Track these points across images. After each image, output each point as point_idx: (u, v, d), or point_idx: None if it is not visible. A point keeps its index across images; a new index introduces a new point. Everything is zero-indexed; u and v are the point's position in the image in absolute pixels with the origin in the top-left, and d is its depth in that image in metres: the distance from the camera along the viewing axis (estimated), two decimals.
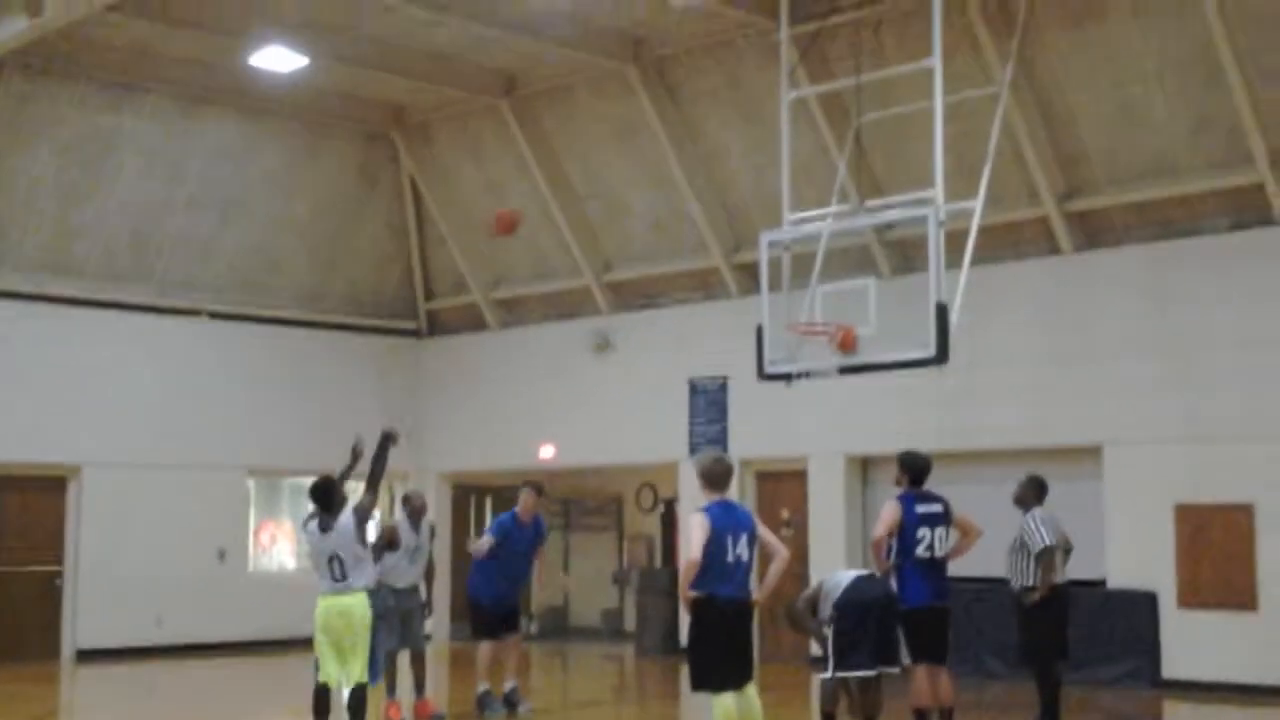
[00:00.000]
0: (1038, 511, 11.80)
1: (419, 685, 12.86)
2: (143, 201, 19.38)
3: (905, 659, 10.97)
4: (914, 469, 11.24)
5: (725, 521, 9.44)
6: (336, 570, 10.31)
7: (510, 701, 13.21)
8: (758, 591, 9.69)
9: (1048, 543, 11.57)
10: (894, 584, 10.96)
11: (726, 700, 9.41)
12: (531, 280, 21.33)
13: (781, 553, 9.66)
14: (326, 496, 10.50)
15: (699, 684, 9.52)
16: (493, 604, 13.20)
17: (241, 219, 20.39)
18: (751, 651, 9.64)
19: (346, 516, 10.40)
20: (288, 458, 20.85)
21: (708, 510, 9.53)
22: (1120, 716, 13.85)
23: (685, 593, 9.44)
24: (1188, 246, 15.50)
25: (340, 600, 10.30)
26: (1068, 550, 11.92)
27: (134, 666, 18.17)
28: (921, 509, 11.05)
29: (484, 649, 13.18)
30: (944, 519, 11.12)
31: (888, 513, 11.05)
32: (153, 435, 19.57)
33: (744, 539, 9.46)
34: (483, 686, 13.17)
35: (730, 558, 9.40)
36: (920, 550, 10.93)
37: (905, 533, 10.94)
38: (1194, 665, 14.98)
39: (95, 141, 18.69)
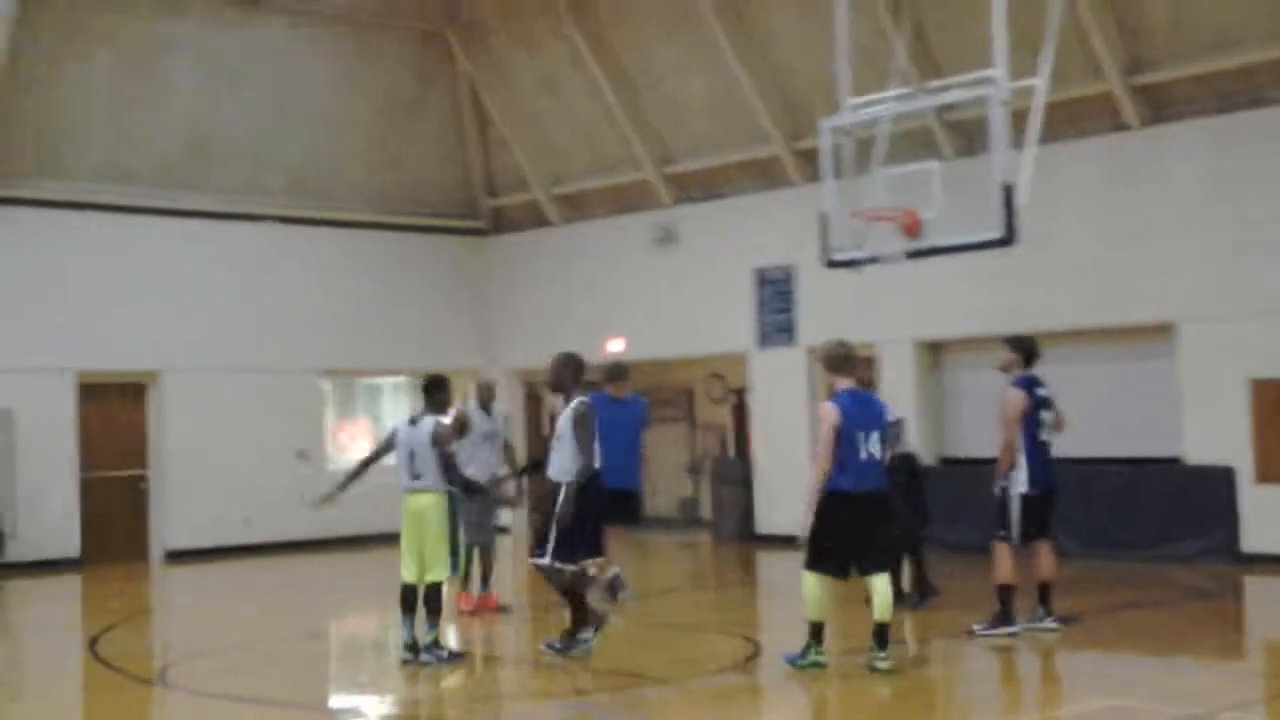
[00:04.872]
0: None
1: (485, 578, 13.05)
2: (201, 107, 19.51)
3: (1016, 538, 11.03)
4: (1028, 351, 11.23)
5: (857, 416, 9.45)
6: (413, 466, 10.54)
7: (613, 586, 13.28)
8: None
9: (896, 415, 12.03)
10: (1015, 468, 10.94)
11: (819, 582, 9.63)
12: (592, 175, 21.32)
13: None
14: (427, 390, 10.84)
15: (808, 564, 9.68)
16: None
17: (298, 122, 20.46)
18: (883, 542, 9.70)
19: (431, 422, 10.61)
20: (361, 358, 21.23)
21: (838, 400, 9.54)
22: (1200, 591, 13.92)
23: (815, 492, 9.43)
24: (1255, 118, 15.28)
25: (415, 499, 10.56)
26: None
27: (221, 565, 18.65)
28: (1040, 392, 11.09)
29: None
30: (1053, 403, 11.18)
31: (1015, 399, 10.94)
32: (227, 340, 19.91)
33: (875, 436, 9.50)
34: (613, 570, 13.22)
35: (863, 455, 9.46)
36: (1041, 434, 11.03)
37: (1028, 417, 10.97)
38: (1274, 539, 14.98)
39: (149, 48, 18.81)
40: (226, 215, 20.13)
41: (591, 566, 11.33)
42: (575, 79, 20.34)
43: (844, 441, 9.45)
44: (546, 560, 10.39)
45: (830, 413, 9.51)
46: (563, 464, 10.47)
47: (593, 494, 10.45)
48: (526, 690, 10.01)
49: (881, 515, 9.68)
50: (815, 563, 9.64)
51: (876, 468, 9.61)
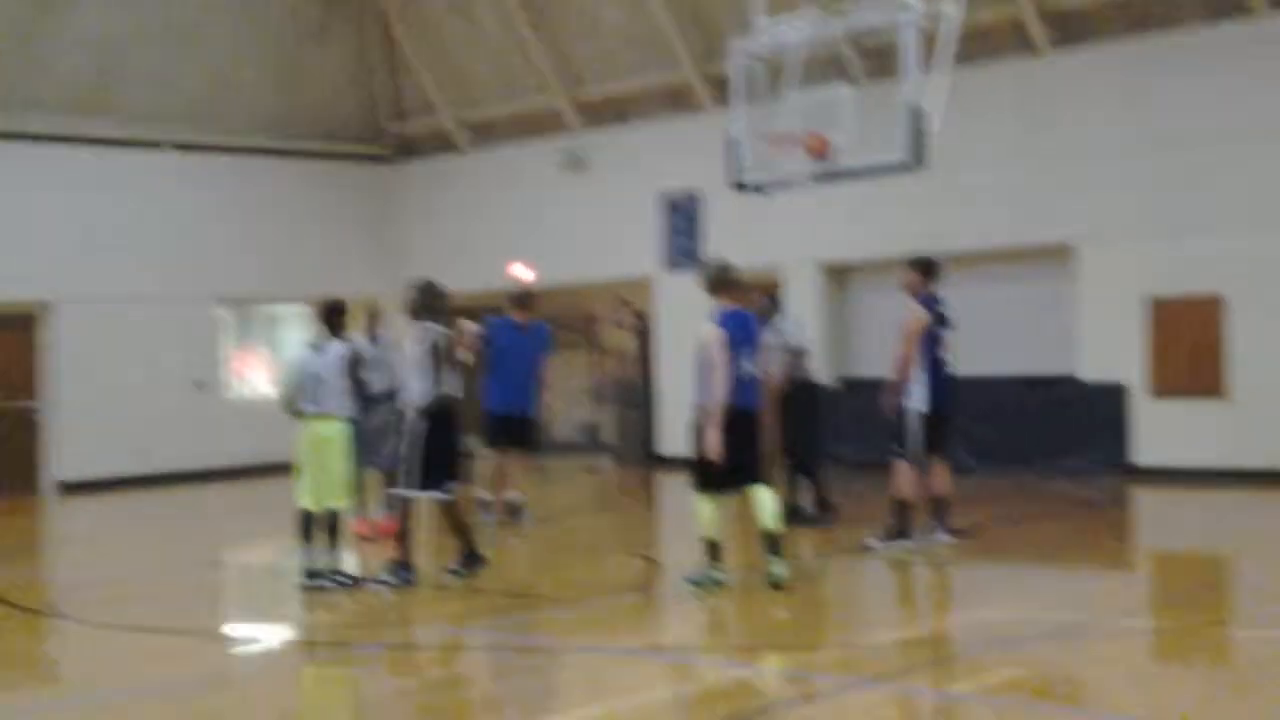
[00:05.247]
0: (784, 319, 12.76)
1: (388, 502, 12.72)
2: (102, 34, 18.93)
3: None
4: (929, 270, 11.22)
5: (737, 336, 9.53)
6: (316, 392, 10.35)
7: (513, 510, 13.40)
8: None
9: (800, 344, 12.63)
10: (915, 384, 10.95)
11: (710, 504, 9.61)
12: (501, 100, 20.98)
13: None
14: (327, 316, 10.65)
15: (697, 485, 9.67)
16: (492, 413, 13.22)
17: (202, 47, 19.94)
18: (758, 457, 9.72)
19: (340, 347, 10.42)
20: (259, 286, 20.86)
21: (723, 323, 9.52)
22: (1092, 504, 14.20)
23: (715, 412, 9.38)
24: (1164, 42, 15.36)
25: (317, 425, 10.41)
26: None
27: (118, 497, 18.29)
28: (940, 310, 11.10)
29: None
30: (950, 321, 11.18)
31: (915, 316, 10.98)
32: (123, 269, 19.44)
33: (752, 355, 9.60)
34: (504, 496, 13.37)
35: (742, 373, 9.53)
36: (940, 352, 11.02)
37: (928, 335, 10.96)
38: (1165, 452, 15.33)
39: None
40: (126, 142, 19.59)
41: (479, 492, 11.19)
42: (485, 2, 19.93)
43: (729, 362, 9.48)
44: (415, 493, 10.25)
45: (717, 334, 9.45)
46: (415, 390, 10.32)
47: (447, 418, 10.33)
48: (423, 614, 9.88)
49: (757, 431, 9.72)
50: (702, 483, 9.62)
51: (754, 385, 9.67)
